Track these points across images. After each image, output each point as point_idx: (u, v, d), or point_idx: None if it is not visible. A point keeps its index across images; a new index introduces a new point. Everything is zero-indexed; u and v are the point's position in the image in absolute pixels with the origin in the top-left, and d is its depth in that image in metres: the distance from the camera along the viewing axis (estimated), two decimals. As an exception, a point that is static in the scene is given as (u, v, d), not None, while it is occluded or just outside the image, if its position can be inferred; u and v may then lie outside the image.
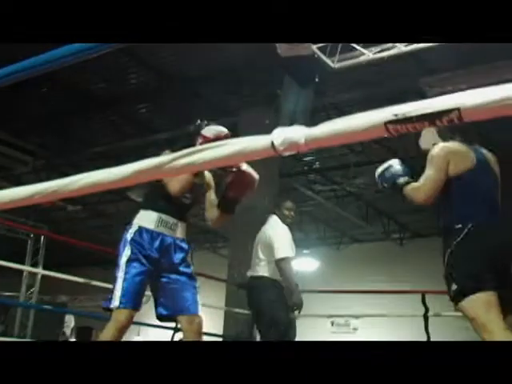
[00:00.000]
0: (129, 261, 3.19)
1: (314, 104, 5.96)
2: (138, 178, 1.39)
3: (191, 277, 3.42)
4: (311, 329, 9.93)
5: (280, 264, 4.86)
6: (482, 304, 2.73)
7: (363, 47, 6.15)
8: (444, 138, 3.09)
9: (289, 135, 1.11)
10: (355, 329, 12.26)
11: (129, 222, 3.37)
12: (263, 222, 5.32)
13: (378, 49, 6.02)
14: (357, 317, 10.30)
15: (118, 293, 3.13)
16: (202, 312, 3.35)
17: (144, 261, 3.23)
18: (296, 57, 4.99)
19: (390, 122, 1.00)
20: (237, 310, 6.83)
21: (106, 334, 3.12)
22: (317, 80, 5.44)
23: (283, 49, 4.93)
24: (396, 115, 1.00)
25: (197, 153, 1.26)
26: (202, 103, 8.35)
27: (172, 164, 1.29)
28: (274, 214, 5.14)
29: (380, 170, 3.21)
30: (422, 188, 2.99)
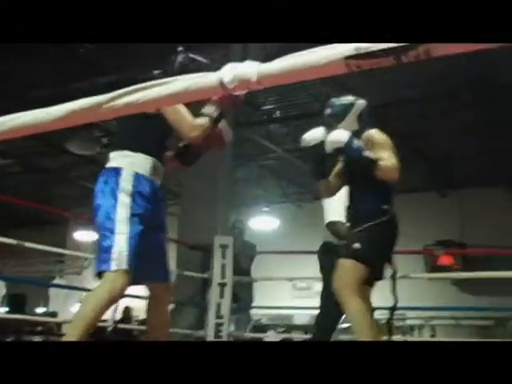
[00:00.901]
0: (133, 215, 2.92)
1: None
2: (74, 119, 1.38)
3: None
4: (271, 292, 10.06)
5: None
6: (358, 271, 3.52)
7: None
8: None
9: (240, 71, 1.10)
10: (318, 292, 12.45)
11: (108, 167, 3.06)
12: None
13: None
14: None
15: (122, 252, 2.81)
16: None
17: (147, 215, 2.98)
18: None
19: (351, 56, 1.01)
20: (187, 272, 6.84)
21: (97, 301, 2.77)
22: None
23: None
24: (358, 49, 1.01)
25: (140, 91, 1.25)
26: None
27: (112, 103, 1.28)
28: None
29: (345, 138, 3.51)
30: (395, 167, 3.53)
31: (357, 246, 3.54)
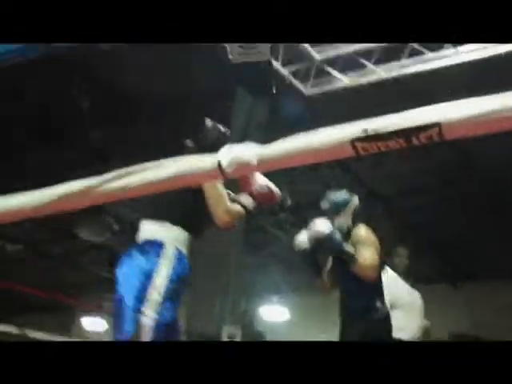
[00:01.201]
0: (171, 290, 2.69)
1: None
2: (66, 202, 1.30)
3: None
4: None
5: None
6: None
7: (340, 72, 6.15)
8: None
9: (238, 154, 1.02)
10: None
11: (147, 239, 2.83)
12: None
13: (356, 74, 6.03)
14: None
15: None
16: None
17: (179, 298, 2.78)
18: (249, 63, 4.76)
19: (359, 139, 0.93)
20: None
21: None
22: (274, 91, 5.30)
23: (234, 53, 4.70)
24: (366, 131, 0.92)
25: (132, 174, 1.17)
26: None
27: (103, 187, 1.20)
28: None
29: (327, 230, 3.54)
30: (373, 266, 3.57)
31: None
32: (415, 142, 0.92)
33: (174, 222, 2.85)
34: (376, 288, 3.64)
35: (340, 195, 3.78)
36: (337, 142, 0.97)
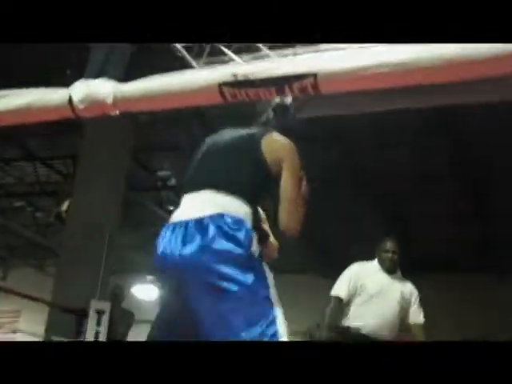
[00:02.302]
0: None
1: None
2: None
3: None
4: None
5: None
6: None
7: (235, 53, 6.05)
8: None
9: (92, 90, 0.90)
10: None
11: (226, 212, 2.30)
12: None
13: (250, 56, 5.94)
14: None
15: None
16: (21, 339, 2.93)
17: None
18: None
19: (227, 83, 0.83)
20: (57, 338, 6.38)
21: None
22: None
23: None
24: (235, 75, 0.83)
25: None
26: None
27: None
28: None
29: None
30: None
31: None
32: (287, 91, 0.83)
33: (250, 202, 2.41)
34: None
35: None
36: (203, 85, 0.87)
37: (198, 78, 0.85)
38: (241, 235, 2.27)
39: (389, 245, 4.69)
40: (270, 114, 2.51)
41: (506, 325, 9.94)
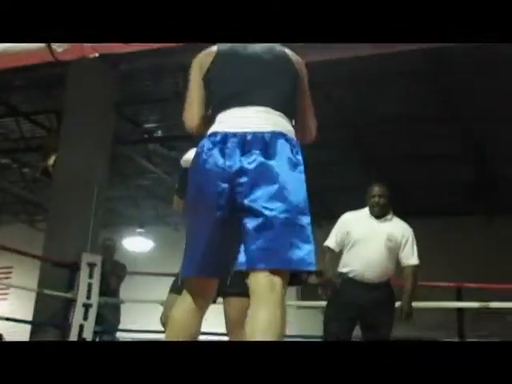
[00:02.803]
0: None
1: None
2: None
3: None
4: (140, 315, 9.69)
5: None
6: None
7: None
8: None
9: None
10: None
11: (274, 132, 2.23)
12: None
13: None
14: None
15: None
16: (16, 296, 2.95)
17: None
18: None
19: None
20: (50, 291, 6.41)
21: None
22: None
23: None
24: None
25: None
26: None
27: None
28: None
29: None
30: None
31: None
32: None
33: (289, 118, 2.38)
34: None
35: None
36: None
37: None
38: (300, 158, 2.24)
39: (375, 189, 4.69)
40: None
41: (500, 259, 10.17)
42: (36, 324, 6.71)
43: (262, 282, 2.08)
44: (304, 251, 2.14)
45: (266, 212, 2.12)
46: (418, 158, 9.79)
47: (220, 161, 2.19)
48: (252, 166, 2.15)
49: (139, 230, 13.45)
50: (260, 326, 1.99)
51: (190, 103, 2.46)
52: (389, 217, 4.66)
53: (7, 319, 7.09)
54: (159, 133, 10.19)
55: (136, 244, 13.33)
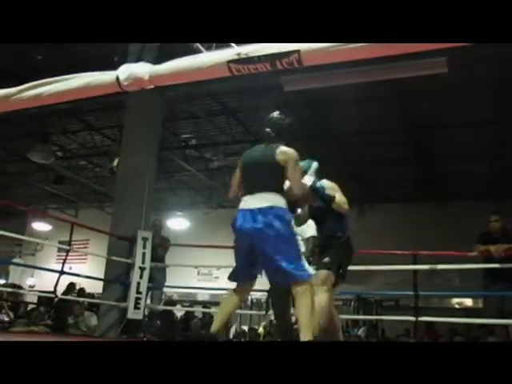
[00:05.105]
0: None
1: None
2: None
3: None
4: (181, 276, 9.74)
5: None
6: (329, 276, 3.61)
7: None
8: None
9: (134, 71, 0.89)
10: (216, 277, 12.22)
11: (274, 205, 2.98)
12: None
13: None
14: (218, 267, 10.22)
15: (306, 265, 2.99)
16: (92, 261, 3.00)
17: None
18: None
19: (233, 61, 0.83)
20: (116, 258, 6.51)
21: (308, 308, 2.89)
22: None
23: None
24: (239, 54, 0.83)
25: (44, 85, 1.01)
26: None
27: (19, 95, 1.03)
28: None
29: (311, 181, 3.56)
30: (346, 202, 3.65)
31: (326, 259, 3.67)
32: (279, 66, 0.82)
33: (275, 192, 3.05)
34: (339, 221, 3.73)
35: (305, 163, 3.64)
36: (216, 63, 0.85)
37: (211, 57, 0.84)
38: (287, 217, 2.97)
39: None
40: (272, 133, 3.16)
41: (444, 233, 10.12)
42: (106, 281, 6.80)
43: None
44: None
45: (275, 257, 2.90)
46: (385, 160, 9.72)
47: (243, 223, 2.98)
48: (259, 226, 2.92)
49: (179, 213, 13.49)
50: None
51: (233, 183, 3.25)
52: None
53: (87, 277, 7.22)
54: (193, 141, 10.20)
55: (177, 223, 13.38)
